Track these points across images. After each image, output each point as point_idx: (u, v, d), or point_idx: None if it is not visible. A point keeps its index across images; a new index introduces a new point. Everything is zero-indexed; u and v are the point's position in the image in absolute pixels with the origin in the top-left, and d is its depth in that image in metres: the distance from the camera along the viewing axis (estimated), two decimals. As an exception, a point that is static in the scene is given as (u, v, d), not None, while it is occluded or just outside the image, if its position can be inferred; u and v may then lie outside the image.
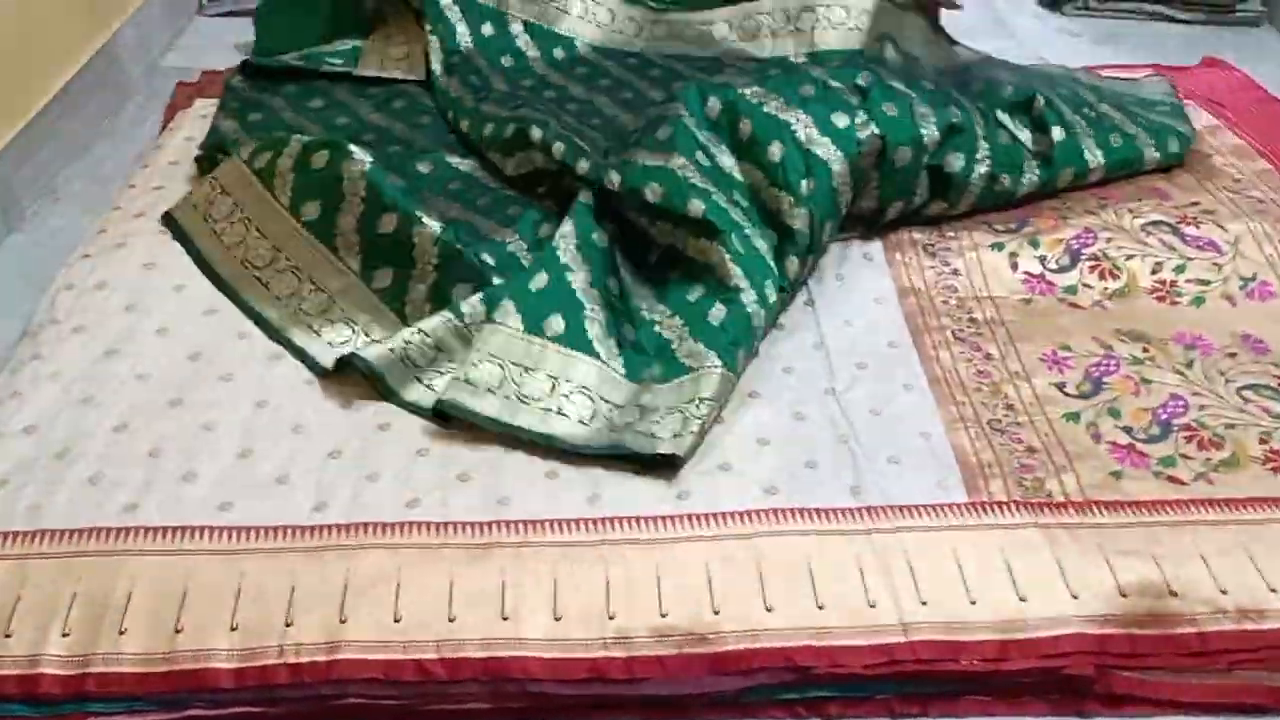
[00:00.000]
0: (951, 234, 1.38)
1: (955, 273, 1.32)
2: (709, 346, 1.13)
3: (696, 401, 1.08)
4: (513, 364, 1.11)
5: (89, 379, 1.12)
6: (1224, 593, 0.95)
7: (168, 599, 0.90)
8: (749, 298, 1.18)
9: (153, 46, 1.91)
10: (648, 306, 1.22)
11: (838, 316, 1.25)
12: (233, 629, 0.89)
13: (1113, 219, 1.40)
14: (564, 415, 1.08)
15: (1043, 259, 1.33)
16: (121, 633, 0.88)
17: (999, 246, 1.35)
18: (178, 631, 0.88)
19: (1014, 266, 1.33)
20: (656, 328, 1.19)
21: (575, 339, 1.14)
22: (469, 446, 1.07)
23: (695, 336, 1.15)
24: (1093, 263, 1.32)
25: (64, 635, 0.88)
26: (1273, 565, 0.97)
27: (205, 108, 1.62)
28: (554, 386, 1.10)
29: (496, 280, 1.17)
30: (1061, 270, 1.32)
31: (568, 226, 1.24)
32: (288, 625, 0.89)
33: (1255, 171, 1.53)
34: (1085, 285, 1.30)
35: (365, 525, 0.98)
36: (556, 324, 1.14)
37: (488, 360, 1.11)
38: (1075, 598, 0.94)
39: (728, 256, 1.20)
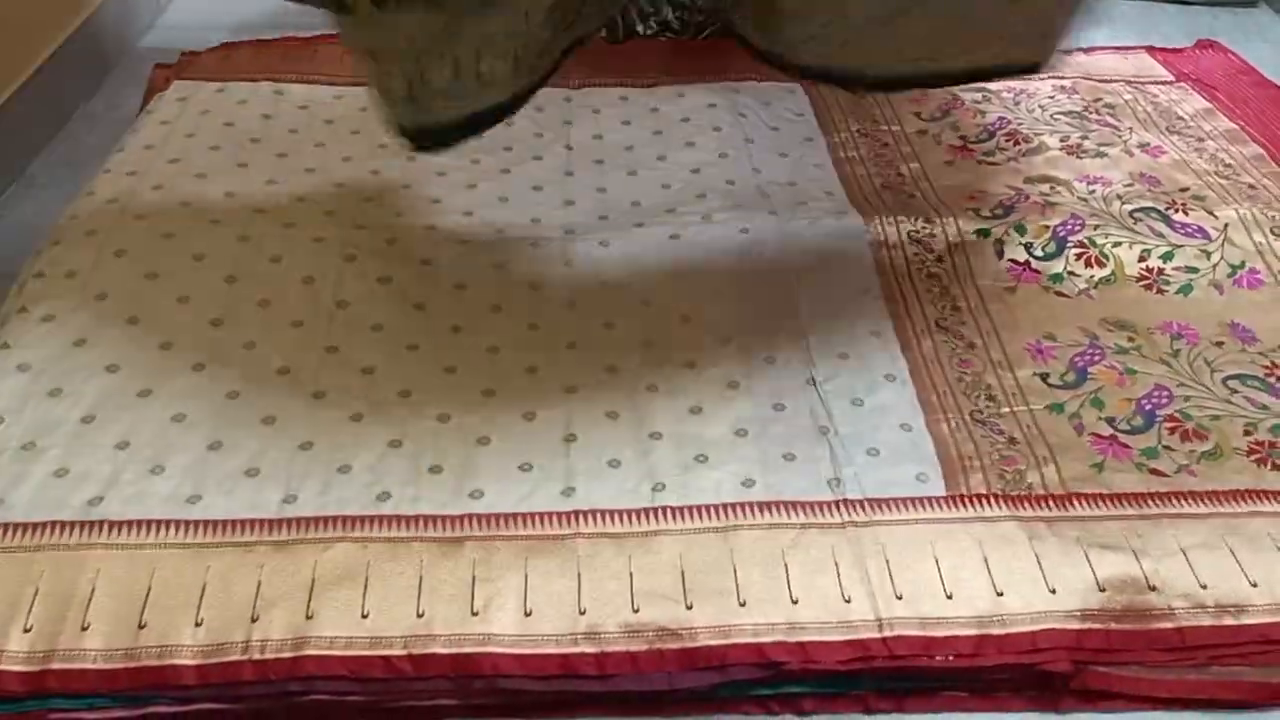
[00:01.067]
0: (936, 220, 1.36)
1: (939, 260, 1.31)
2: None
3: None
4: None
5: (57, 369, 1.10)
6: (1204, 587, 0.94)
7: (132, 594, 0.89)
8: None
9: (132, 27, 1.88)
10: None
11: (820, 304, 1.24)
12: (197, 624, 0.87)
13: (1100, 205, 1.38)
14: None
15: (1029, 246, 1.32)
16: (84, 628, 0.87)
17: (984, 233, 1.33)
18: (141, 627, 0.87)
19: (999, 254, 1.31)
20: None
21: None
22: (443, 439, 1.05)
23: None
24: (1079, 250, 1.31)
25: (25, 631, 0.86)
26: (1254, 559, 0.96)
27: (183, 90, 1.60)
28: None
29: None
30: (1048, 258, 1.30)
31: None
32: (253, 621, 0.88)
33: (1247, 156, 1.51)
34: (1071, 273, 1.29)
35: (334, 519, 0.96)
36: None
37: None
38: (1053, 592, 0.93)
39: None
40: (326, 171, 1.43)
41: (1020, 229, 1.33)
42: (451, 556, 0.93)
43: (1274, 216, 1.36)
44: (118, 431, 1.04)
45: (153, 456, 1.02)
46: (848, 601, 0.92)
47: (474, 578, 0.92)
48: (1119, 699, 0.91)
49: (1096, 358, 1.18)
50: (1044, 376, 1.15)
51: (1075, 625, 0.91)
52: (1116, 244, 1.31)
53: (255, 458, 1.02)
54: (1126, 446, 1.07)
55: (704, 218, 1.37)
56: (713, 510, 0.98)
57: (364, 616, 0.89)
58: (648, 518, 0.98)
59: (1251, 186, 1.44)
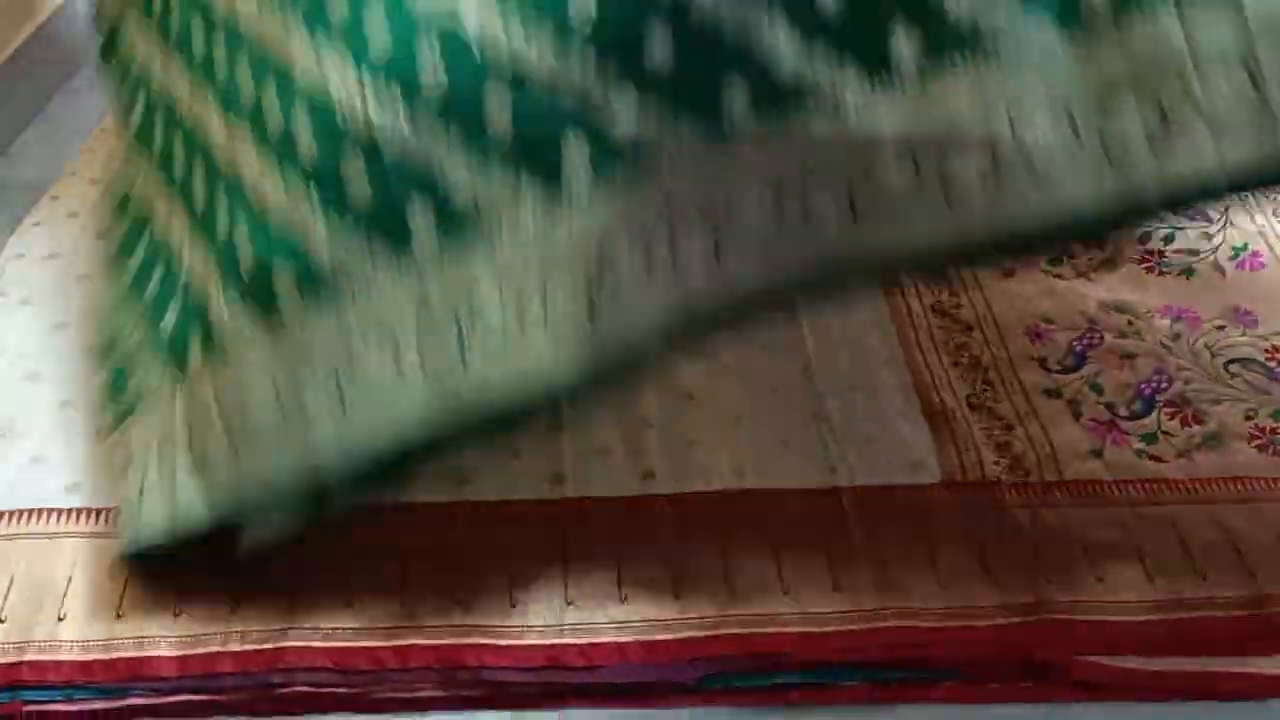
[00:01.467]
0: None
1: (937, 243, 1.28)
2: None
3: None
4: None
5: (36, 353, 1.08)
6: (1204, 578, 0.92)
7: (109, 583, 0.87)
8: None
9: (117, 4, 1.85)
10: None
11: (815, 288, 1.22)
12: (176, 615, 0.86)
13: (1100, 187, 1.36)
14: None
15: (1027, 228, 1.29)
16: (60, 618, 0.85)
17: (982, 215, 1.31)
18: (119, 617, 0.85)
19: (997, 236, 1.29)
20: None
21: None
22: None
23: None
24: (1079, 232, 1.28)
25: (0, 621, 0.85)
26: (1253, 548, 0.94)
27: (167, 69, 1.57)
28: None
29: None
30: (1046, 240, 1.28)
31: None
32: (233, 611, 0.86)
33: (1250, 137, 1.49)
34: (1069, 256, 1.26)
35: (317, 507, 0.94)
36: None
37: None
38: (1049, 582, 0.91)
39: None
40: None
41: (1019, 211, 1.31)
42: (437, 545, 0.92)
43: (1277, 198, 1.34)
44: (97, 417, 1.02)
45: (133, 443, 1.00)
46: (840, 591, 0.90)
47: (459, 566, 0.90)
48: (1117, 690, 0.90)
49: (1095, 341, 1.16)
50: (1042, 360, 1.13)
51: (1072, 615, 0.90)
52: (1117, 226, 1.29)
53: (238, 444, 1.00)
54: (1125, 432, 1.05)
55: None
56: (705, 498, 0.96)
57: (347, 606, 0.87)
58: (638, 506, 0.96)
59: (1254, 167, 1.41)
